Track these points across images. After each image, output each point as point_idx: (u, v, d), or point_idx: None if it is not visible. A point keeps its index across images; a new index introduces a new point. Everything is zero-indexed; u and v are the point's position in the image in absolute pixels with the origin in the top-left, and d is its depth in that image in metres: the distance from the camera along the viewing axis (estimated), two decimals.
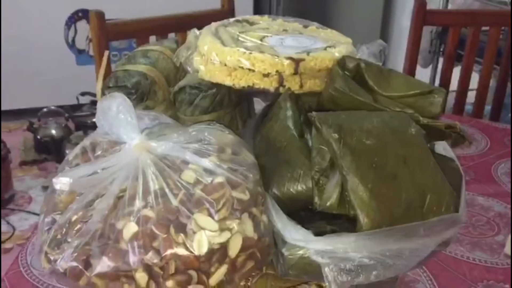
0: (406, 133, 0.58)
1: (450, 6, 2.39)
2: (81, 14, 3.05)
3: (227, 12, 1.49)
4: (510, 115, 2.23)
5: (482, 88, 1.70)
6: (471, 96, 1.80)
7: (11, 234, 2.20)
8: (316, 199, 0.57)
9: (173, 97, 0.75)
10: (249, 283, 0.55)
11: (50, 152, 2.61)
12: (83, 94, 2.86)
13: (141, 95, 0.72)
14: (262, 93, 0.76)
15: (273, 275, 0.60)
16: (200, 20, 1.49)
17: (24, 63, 3.04)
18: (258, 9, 3.14)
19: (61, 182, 0.51)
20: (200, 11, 1.47)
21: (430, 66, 2.50)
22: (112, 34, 1.37)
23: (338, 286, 0.51)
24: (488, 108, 1.79)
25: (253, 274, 0.54)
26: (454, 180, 0.59)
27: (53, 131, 2.77)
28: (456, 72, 1.68)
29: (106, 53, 0.76)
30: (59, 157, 2.59)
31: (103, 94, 0.74)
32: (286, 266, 0.53)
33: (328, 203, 0.56)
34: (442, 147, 0.67)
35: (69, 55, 3.12)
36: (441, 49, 2.34)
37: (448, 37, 1.64)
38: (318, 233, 0.53)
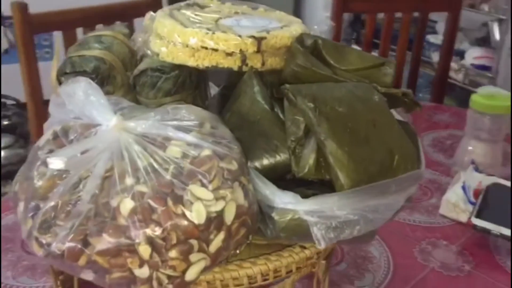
0: (371, 100, 0.62)
1: None
2: None
3: (155, 2, 1.47)
4: (426, 96, 2.41)
5: (397, 73, 1.82)
6: None
7: None
8: (294, 167, 0.60)
9: (132, 81, 0.74)
10: (237, 251, 0.57)
11: None
12: None
13: (101, 80, 0.71)
14: (216, 75, 0.78)
15: (255, 244, 0.62)
16: (128, 11, 1.47)
17: None
18: None
19: (56, 161, 0.49)
20: (128, 1, 1.45)
21: None
22: (36, 26, 1.31)
23: (326, 243, 0.55)
24: None
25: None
26: (412, 140, 0.65)
27: None
28: None
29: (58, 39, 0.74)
30: None
31: (58, 81, 0.72)
32: (277, 229, 0.56)
33: (306, 169, 0.59)
34: (396, 114, 0.73)
35: None
36: (353, 37, 2.49)
37: (366, 24, 1.74)
38: (302, 197, 0.57)
